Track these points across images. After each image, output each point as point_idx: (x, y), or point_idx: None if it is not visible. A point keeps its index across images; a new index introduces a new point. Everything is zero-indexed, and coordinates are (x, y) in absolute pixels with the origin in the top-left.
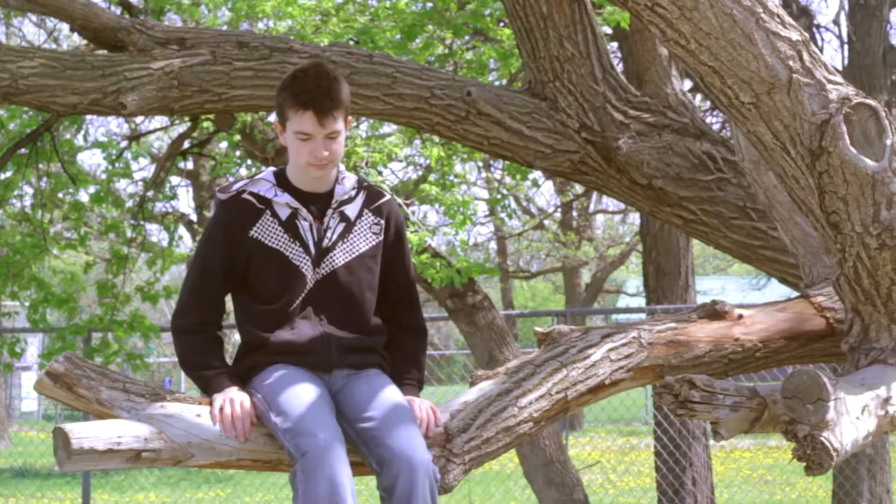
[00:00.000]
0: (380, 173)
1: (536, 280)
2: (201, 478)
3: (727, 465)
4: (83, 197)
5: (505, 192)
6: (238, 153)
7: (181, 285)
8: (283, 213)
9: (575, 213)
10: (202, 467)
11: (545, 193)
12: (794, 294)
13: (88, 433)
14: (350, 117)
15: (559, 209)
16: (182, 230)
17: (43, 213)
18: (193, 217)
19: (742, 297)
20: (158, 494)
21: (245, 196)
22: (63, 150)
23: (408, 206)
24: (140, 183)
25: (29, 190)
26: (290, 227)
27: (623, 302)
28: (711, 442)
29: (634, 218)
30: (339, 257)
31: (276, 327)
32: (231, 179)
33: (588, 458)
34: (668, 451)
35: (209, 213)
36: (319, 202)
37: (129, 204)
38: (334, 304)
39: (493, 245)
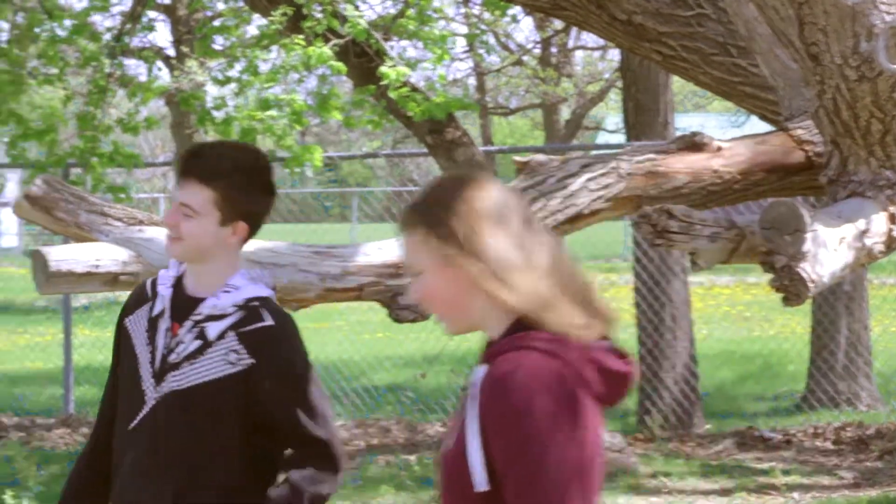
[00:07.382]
0: (356, 7)
1: (515, 116)
2: None
3: (706, 302)
4: (60, 32)
5: (484, 27)
6: None
7: None
8: (157, 308)
9: (554, 49)
10: None
11: (524, 29)
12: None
13: (67, 256)
14: (220, 213)
15: (538, 45)
16: (160, 64)
17: (19, 49)
18: (171, 52)
19: (721, 133)
20: None
21: (145, 280)
22: None
23: (386, 41)
24: (118, 17)
25: (4, 25)
26: (153, 326)
27: (602, 138)
28: (691, 278)
29: (614, 54)
30: (180, 380)
31: (117, 455)
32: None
33: None
34: (648, 288)
35: (186, 49)
36: (189, 309)
37: (107, 38)
38: (176, 439)
39: (471, 81)
